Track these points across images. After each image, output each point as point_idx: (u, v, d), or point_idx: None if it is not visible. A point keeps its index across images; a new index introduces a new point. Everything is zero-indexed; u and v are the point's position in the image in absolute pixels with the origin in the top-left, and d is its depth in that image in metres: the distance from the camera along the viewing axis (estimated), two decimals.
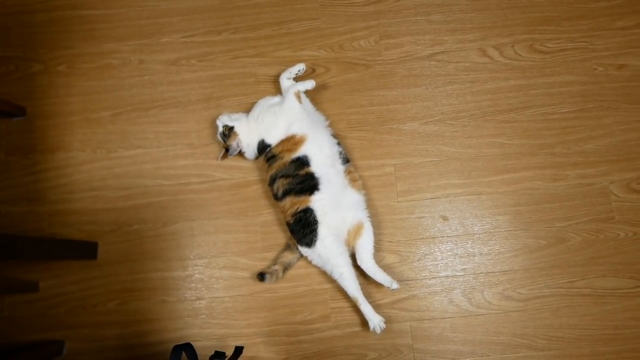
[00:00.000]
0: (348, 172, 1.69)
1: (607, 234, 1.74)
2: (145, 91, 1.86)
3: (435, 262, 1.74)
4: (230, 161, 1.80)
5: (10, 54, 1.89)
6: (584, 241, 1.74)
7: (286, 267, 1.70)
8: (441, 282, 1.73)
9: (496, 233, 1.75)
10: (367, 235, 1.65)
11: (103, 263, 1.74)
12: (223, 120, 1.72)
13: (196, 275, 1.74)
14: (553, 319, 1.69)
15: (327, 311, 1.71)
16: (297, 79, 1.81)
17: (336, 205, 1.64)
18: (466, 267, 1.73)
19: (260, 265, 1.73)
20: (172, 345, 1.40)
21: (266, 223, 1.76)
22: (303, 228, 1.62)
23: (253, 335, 1.70)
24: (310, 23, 1.91)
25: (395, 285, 1.62)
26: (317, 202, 1.62)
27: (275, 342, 1.69)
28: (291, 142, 1.65)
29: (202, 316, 1.72)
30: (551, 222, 1.75)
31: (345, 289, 1.63)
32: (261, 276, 1.68)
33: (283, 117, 1.68)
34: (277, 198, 1.67)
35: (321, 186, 1.62)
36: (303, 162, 1.63)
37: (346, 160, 1.70)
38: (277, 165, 1.66)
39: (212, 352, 1.47)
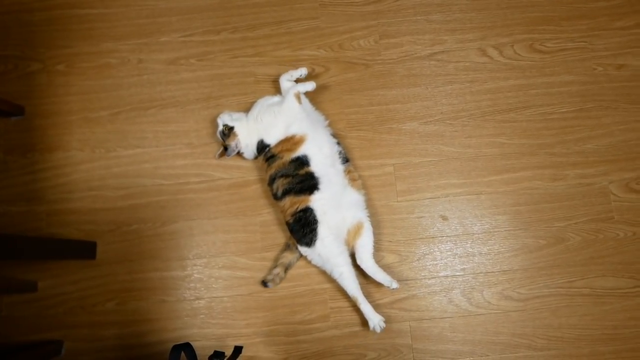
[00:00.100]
0: (348, 172, 1.69)
1: (607, 233, 1.74)
2: (144, 90, 1.86)
3: (435, 262, 1.74)
4: (230, 161, 1.80)
5: (9, 53, 1.89)
6: (583, 241, 1.74)
7: (287, 268, 1.70)
8: (440, 281, 1.73)
9: (495, 233, 1.75)
10: (367, 234, 1.65)
11: (102, 263, 1.74)
12: (224, 119, 1.71)
13: (195, 275, 1.74)
14: (552, 318, 1.69)
15: (326, 311, 1.71)
16: (298, 80, 1.80)
17: (336, 204, 1.63)
18: (466, 266, 1.73)
19: (259, 265, 1.73)
20: (171, 345, 1.40)
21: (265, 223, 1.76)
22: (303, 228, 1.61)
23: (252, 335, 1.70)
24: (310, 22, 1.90)
25: (394, 285, 1.61)
26: (317, 201, 1.61)
27: (275, 342, 1.69)
28: (291, 142, 1.65)
29: (201, 316, 1.71)
30: (550, 222, 1.75)
31: (345, 288, 1.63)
32: (264, 284, 1.70)
33: (282, 117, 1.67)
34: (276, 198, 1.67)
35: (321, 186, 1.62)
36: (303, 161, 1.63)
37: (346, 160, 1.70)
38: (276, 164, 1.66)
39: (211, 352, 1.47)
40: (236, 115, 1.74)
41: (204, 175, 1.80)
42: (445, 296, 1.72)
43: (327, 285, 1.72)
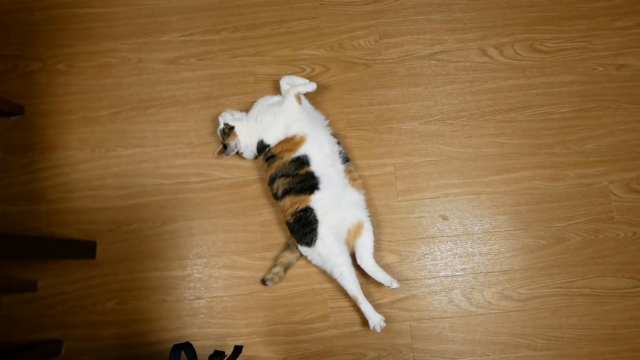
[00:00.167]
0: (348, 172, 1.69)
1: (607, 233, 1.74)
2: (144, 90, 1.86)
3: (435, 262, 1.74)
4: (230, 160, 1.80)
5: (9, 52, 1.88)
6: (583, 241, 1.74)
7: (286, 267, 1.70)
8: (441, 281, 1.73)
9: (496, 233, 1.75)
10: (367, 234, 1.65)
11: (102, 262, 1.74)
12: (225, 118, 1.71)
13: (195, 275, 1.74)
14: (552, 318, 1.69)
15: (326, 311, 1.71)
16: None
17: (336, 204, 1.63)
18: (466, 266, 1.73)
19: (259, 265, 1.73)
20: (170, 345, 1.40)
21: (265, 222, 1.76)
22: (303, 227, 1.61)
23: (252, 335, 1.69)
24: (310, 22, 1.90)
25: (395, 285, 1.61)
26: (317, 201, 1.61)
27: (275, 342, 1.69)
28: (291, 142, 1.65)
29: (201, 315, 1.71)
30: (551, 222, 1.75)
31: (345, 288, 1.63)
32: (263, 283, 1.70)
33: (282, 117, 1.67)
34: (276, 197, 1.67)
35: (321, 185, 1.62)
36: (303, 161, 1.63)
37: (346, 160, 1.70)
38: (276, 164, 1.65)
39: (211, 352, 1.47)
40: (238, 114, 1.73)
41: (204, 175, 1.79)
42: (445, 296, 1.72)
43: (327, 285, 1.72)
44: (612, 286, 1.71)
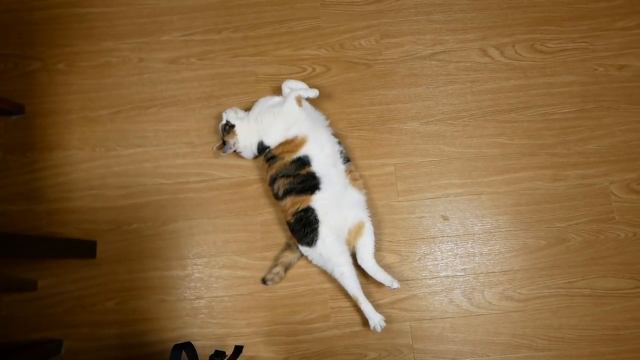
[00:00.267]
0: (349, 172, 1.69)
1: (608, 234, 1.74)
2: (144, 89, 1.86)
3: (436, 262, 1.74)
4: (230, 160, 1.80)
5: (9, 52, 1.88)
6: (584, 241, 1.74)
7: (287, 267, 1.70)
8: (441, 282, 1.72)
9: (496, 233, 1.75)
10: (368, 234, 1.65)
11: (102, 262, 1.74)
12: (229, 115, 1.71)
13: (195, 275, 1.74)
14: (553, 319, 1.69)
15: (326, 311, 1.70)
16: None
17: (337, 204, 1.63)
18: (466, 267, 1.73)
19: (260, 265, 1.73)
20: (171, 345, 1.40)
21: (266, 222, 1.76)
22: (304, 227, 1.61)
23: (253, 335, 1.69)
24: (311, 22, 1.90)
25: (395, 285, 1.61)
26: (318, 201, 1.61)
27: (275, 342, 1.69)
28: (292, 144, 1.64)
29: (202, 315, 1.71)
30: (551, 222, 1.75)
31: (346, 288, 1.63)
32: (264, 282, 1.70)
33: (282, 119, 1.66)
34: (277, 197, 1.66)
35: (322, 185, 1.62)
36: (304, 161, 1.63)
37: (347, 160, 1.70)
38: (277, 165, 1.65)
39: (212, 352, 1.46)
40: (242, 114, 1.73)
41: (204, 175, 1.79)
42: (446, 296, 1.71)
43: (328, 285, 1.71)
44: (612, 287, 1.71)
